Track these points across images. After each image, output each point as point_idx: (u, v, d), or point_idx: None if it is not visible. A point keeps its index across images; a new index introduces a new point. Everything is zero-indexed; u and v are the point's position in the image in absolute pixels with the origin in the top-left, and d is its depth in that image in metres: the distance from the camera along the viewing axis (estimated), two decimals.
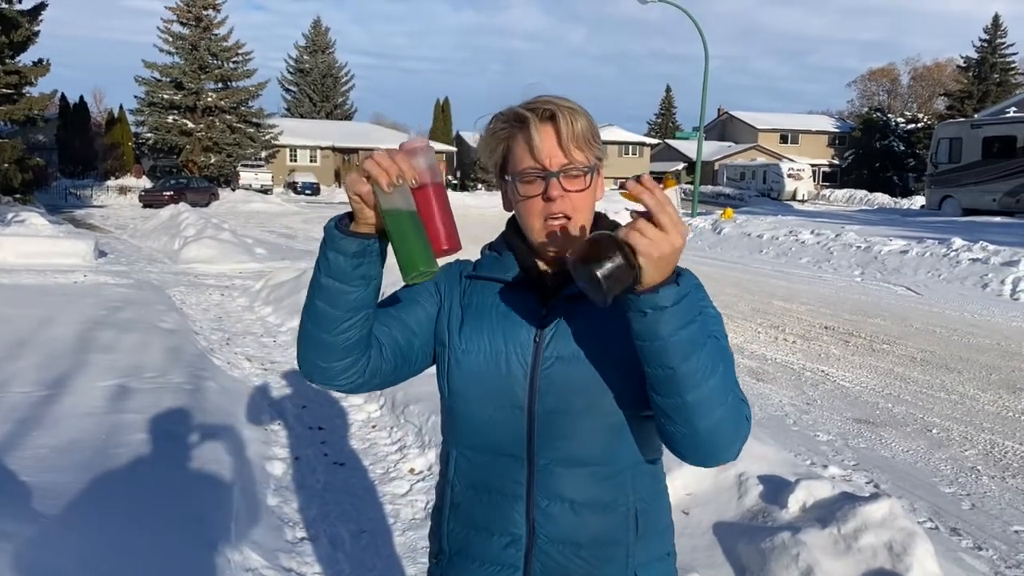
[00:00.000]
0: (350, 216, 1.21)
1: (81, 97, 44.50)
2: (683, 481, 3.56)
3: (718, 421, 1.17)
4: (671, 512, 1.47)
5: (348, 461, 4.68)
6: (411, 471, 4.50)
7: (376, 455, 4.76)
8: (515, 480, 1.32)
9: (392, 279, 1.30)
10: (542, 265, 1.37)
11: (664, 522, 1.42)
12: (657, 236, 1.05)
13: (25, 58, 27.51)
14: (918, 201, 36.58)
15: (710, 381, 1.14)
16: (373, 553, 3.60)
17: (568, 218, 1.28)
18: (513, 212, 1.37)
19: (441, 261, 1.24)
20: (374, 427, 5.24)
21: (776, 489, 3.48)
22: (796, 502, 3.31)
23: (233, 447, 4.27)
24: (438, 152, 52.22)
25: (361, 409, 5.60)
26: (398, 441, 4.95)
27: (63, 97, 41.61)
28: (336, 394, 5.97)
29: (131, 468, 3.60)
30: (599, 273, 1.04)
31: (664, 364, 1.12)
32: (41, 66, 27.63)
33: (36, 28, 26.53)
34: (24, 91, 27.33)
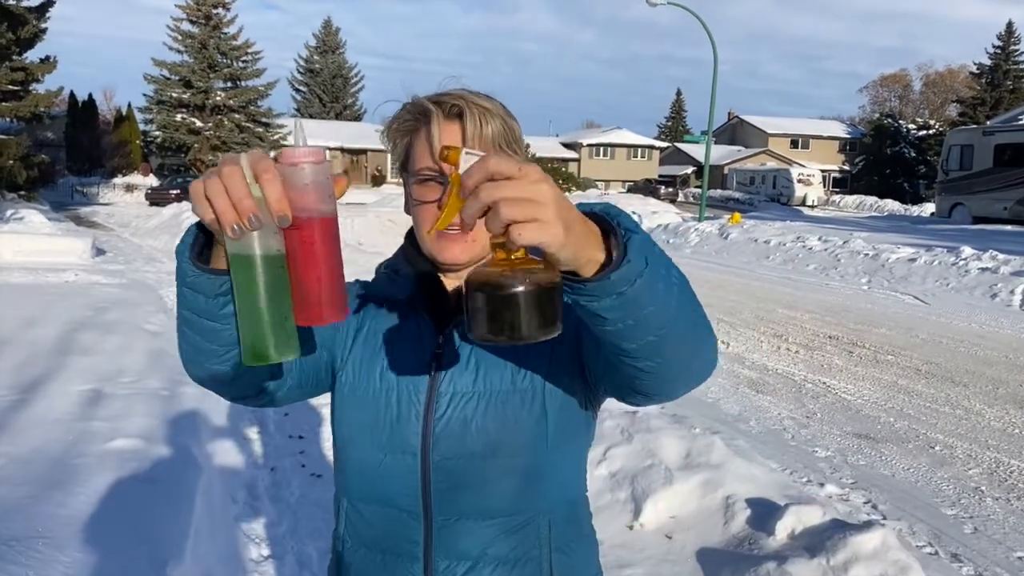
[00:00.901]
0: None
1: (90, 95, 44.58)
2: (667, 504, 3.38)
3: (700, 329, 0.90)
4: (599, 558, 1.28)
5: (326, 473, 4.51)
6: None
7: None
8: (410, 539, 1.15)
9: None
10: (445, 281, 1.18)
11: (591, 573, 1.24)
12: (524, 192, 0.71)
13: (32, 55, 27.54)
14: (928, 208, 36.23)
15: (684, 299, 0.87)
16: None
17: (466, 232, 1.06)
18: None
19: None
20: None
21: (764, 514, 3.29)
22: (784, 529, 3.13)
23: (204, 458, 4.11)
24: None
25: None
26: None
27: (72, 94, 41.72)
28: (326, 399, 5.82)
29: (89, 482, 3.45)
30: (512, 324, 0.74)
31: (658, 325, 0.83)
32: (48, 63, 27.62)
33: (43, 25, 26.51)
34: (30, 88, 27.33)
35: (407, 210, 1.20)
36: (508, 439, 1.11)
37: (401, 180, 1.21)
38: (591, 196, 42.31)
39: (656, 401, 1.01)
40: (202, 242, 0.89)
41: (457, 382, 1.13)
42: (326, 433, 5.11)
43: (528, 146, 1.11)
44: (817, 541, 2.95)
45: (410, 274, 1.20)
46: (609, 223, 0.80)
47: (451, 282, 1.19)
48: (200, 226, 0.88)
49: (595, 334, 0.88)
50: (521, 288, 0.73)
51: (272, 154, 0.80)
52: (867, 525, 2.96)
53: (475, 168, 0.71)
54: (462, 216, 0.72)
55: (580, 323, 0.99)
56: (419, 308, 1.18)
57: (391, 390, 1.14)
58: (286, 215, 0.76)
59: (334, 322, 0.84)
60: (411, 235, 1.23)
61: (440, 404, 1.12)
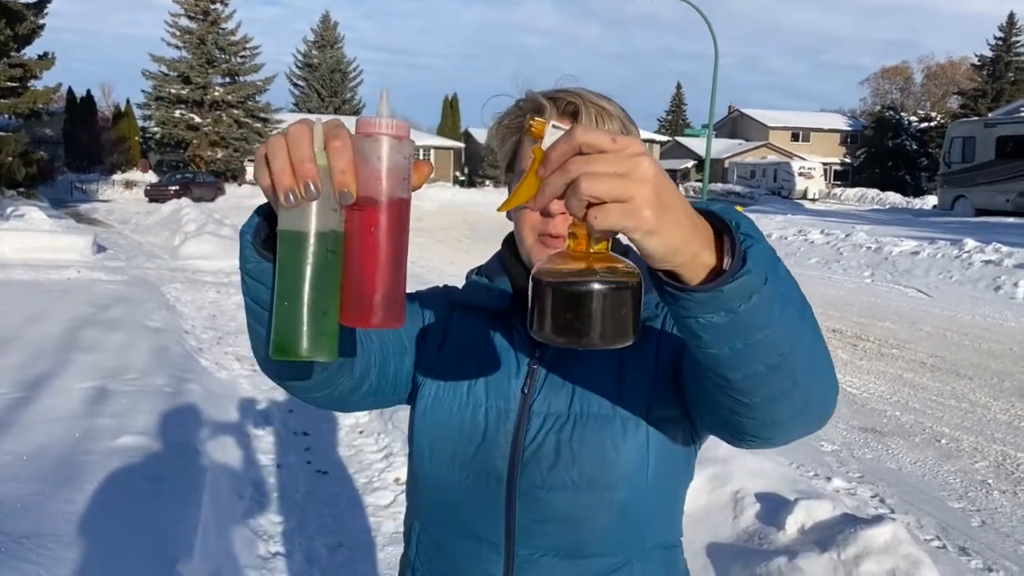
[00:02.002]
0: None
1: (88, 91, 44.55)
2: None
3: (824, 369, 0.79)
4: None
5: (332, 469, 4.51)
6: (396, 481, 4.32)
7: (361, 463, 4.58)
8: (488, 573, 1.05)
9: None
10: None
11: None
12: (616, 166, 0.60)
13: (30, 51, 27.48)
14: (930, 201, 36.18)
15: (813, 328, 0.75)
16: (350, 569, 3.43)
17: (537, 210, 0.98)
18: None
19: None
20: (361, 433, 5.07)
21: (774, 508, 3.28)
22: (794, 523, 3.12)
23: (209, 455, 4.10)
24: (443, 148, 52.04)
25: (351, 414, 5.43)
26: (385, 448, 4.77)
27: (70, 91, 41.65)
28: None
29: (96, 479, 3.43)
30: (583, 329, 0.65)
31: (773, 354, 0.71)
32: (46, 59, 27.56)
33: (41, 21, 26.46)
34: (29, 84, 27.27)
35: (510, 216, 1.09)
36: (605, 470, 0.99)
37: (506, 181, 1.11)
38: None
39: (763, 445, 0.87)
40: (267, 229, 0.78)
41: (552, 402, 1.02)
42: (331, 430, 5.10)
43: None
44: (827, 536, 2.93)
45: (506, 284, 1.11)
46: (725, 223, 0.68)
47: None
48: (255, 220, 0.80)
49: (695, 356, 0.76)
50: (589, 286, 0.65)
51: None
52: (877, 519, 2.95)
53: (562, 139, 0.62)
54: (540, 192, 0.63)
55: (683, 342, 0.90)
56: (513, 320, 1.09)
57: (479, 406, 1.05)
58: (350, 190, 0.66)
59: (385, 329, 0.75)
60: (509, 241, 1.14)
61: (532, 425, 1.02)
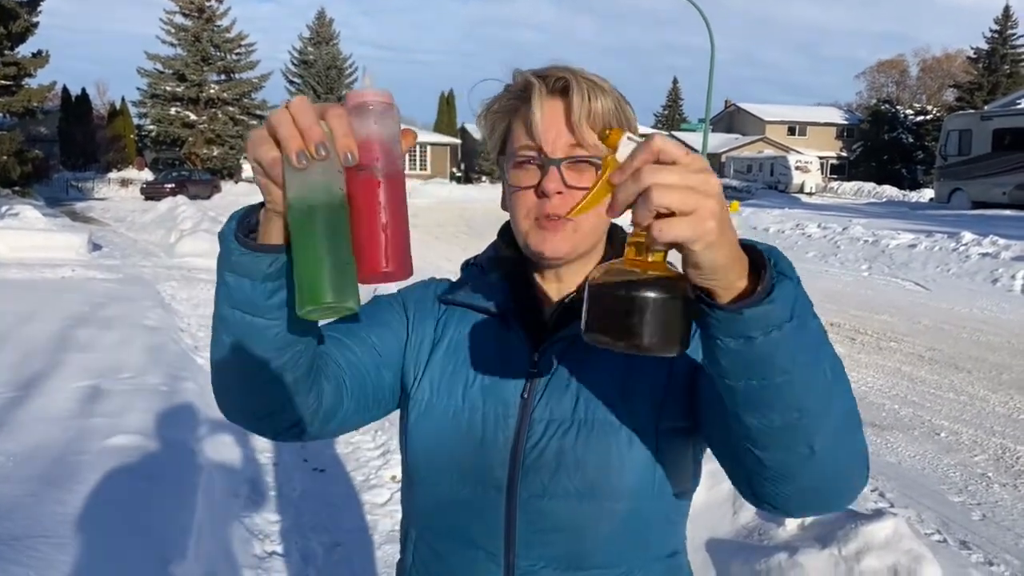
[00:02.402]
0: (263, 205, 0.79)
1: (83, 89, 44.38)
2: None
3: (854, 457, 0.79)
4: None
5: (328, 467, 4.48)
6: (393, 478, 4.29)
7: (358, 460, 4.55)
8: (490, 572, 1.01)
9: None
10: (543, 287, 1.04)
11: None
12: (687, 179, 0.62)
13: (24, 49, 27.33)
14: (927, 194, 36.19)
15: (844, 403, 0.75)
16: (347, 568, 3.40)
17: (568, 220, 0.96)
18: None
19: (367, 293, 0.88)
20: (358, 430, 5.03)
21: None
22: (794, 519, 3.09)
23: (204, 453, 4.07)
24: (440, 145, 51.96)
25: None
26: (382, 445, 4.74)
27: (65, 89, 41.54)
28: None
29: (89, 480, 3.40)
30: (641, 331, 0.66)
31: (789, 406, 0.71)
32: (40, 57, 27.43)
33: (35, 19, 26.33)
34: (23, 83, 27.15)
35: (504, 205, 1.05)
36: (610, 479, 0.95)
37: (497, 168, 1.06)
38: None
39: (777, 511, 0.84)
40: (248, 224, 0.81)
41: (555, 408, 0.98)
42: None
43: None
44: (828, 531, 2.91)
45: (500, 276, 1.06)
46: (763, 258, 0.69)
47: (548, 285, 1.05)
48: (245, 212, 0.82)
49: (718, 389, 0.75)
50: (651, 292, 0.66)
51: None
52: (878, 514, 2.93)
53: (641, 148, 0.64)
54: (614, 198, 0.64)
55: (701, 372, 0.89)
56: (511, 318, 1.03)
57: (475, 410, 1.00)
58: (353, 151, 0.71)
59: (398, 278, 0.76)
60: (505, 231, 1.09)
61: (534, 431, 0.98)
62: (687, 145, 0.70)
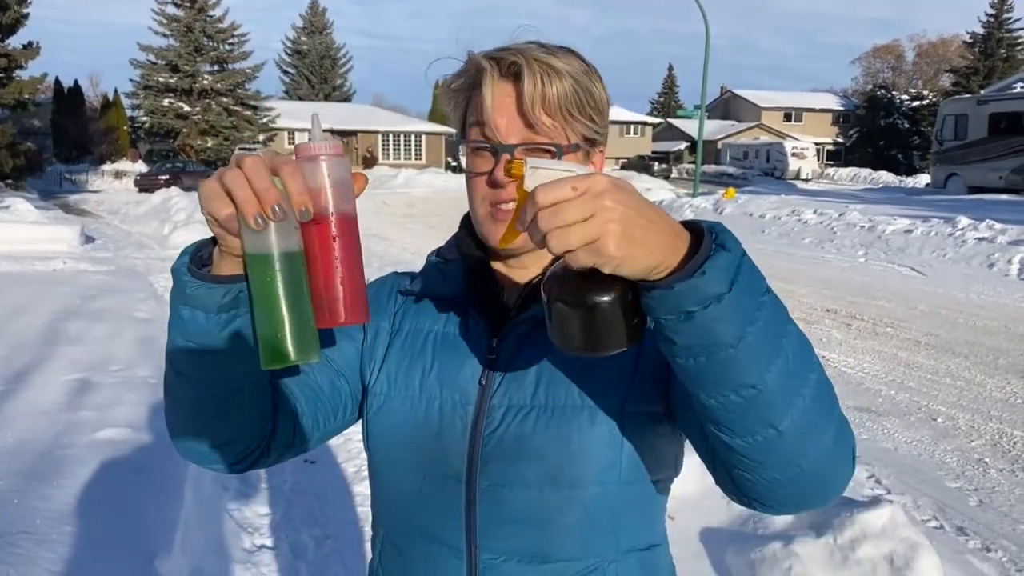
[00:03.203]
0: (214, 241, 0.80)
1: (75, 81, 44.15)
2: None
3: (828, 444, 0.76)
4: None
5: (320, 458, 4.43)
6: None
7: (349, 452, 4.51)
8: (453, 568, 0.98)
9: None
10: (504, 273, 1.02)
11: None
12: (581, 212, 0.64)
13: (15, 41, 27.17)
14: (923, 179, 36.17)
15: (809, 386, 0.72)
16: (337, 561, 3.36)
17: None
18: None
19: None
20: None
21: None
22: None
23: None
24: (434, 134, 51.86)
25: None
26: None
27: (57, 81, 41.29)
28: None
29: (76, 474, 3.36)
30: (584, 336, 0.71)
31: (740, 383, 0.69)
32: (31, 49, 27.26)
33: (25, 11, 26.17)
34: (14, 75, 26.99)
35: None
36: (572, 466, 0.92)
37: (459, 144, 1.03)
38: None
39: (768, 509, 0.82)
40: (200, 258, 0.82)
41: (513, 394, 0.95)
42: None
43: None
44: (823, 520, 2.87)
45: (460, 264, 1.03)
46: (704, 233, 0.69)
47: (510, 271, 1.02)
48: (196, 247, 0.83)
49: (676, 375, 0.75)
50: (585, 298, 0.70)
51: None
52: (875, 502, 2.89)
53: (528, 205, 0.65)
54: (524, 239, 0.69)
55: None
56: (469, 305, 1.00)
57: (432, 400, 0.98)
58: (308, 208, 0.72)
59: (356, 324, 0.78)
60: (467, 220, 1.05)
61: (492, 418, 0.95)
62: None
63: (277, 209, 0.70)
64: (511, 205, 0.93)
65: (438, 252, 1.07)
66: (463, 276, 1.02)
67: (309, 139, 0.77)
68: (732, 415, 0.72)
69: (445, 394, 0.97)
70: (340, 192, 0.75)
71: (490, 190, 0.95)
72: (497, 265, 1.03)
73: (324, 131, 0.77)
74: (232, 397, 0.87)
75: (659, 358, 0.91)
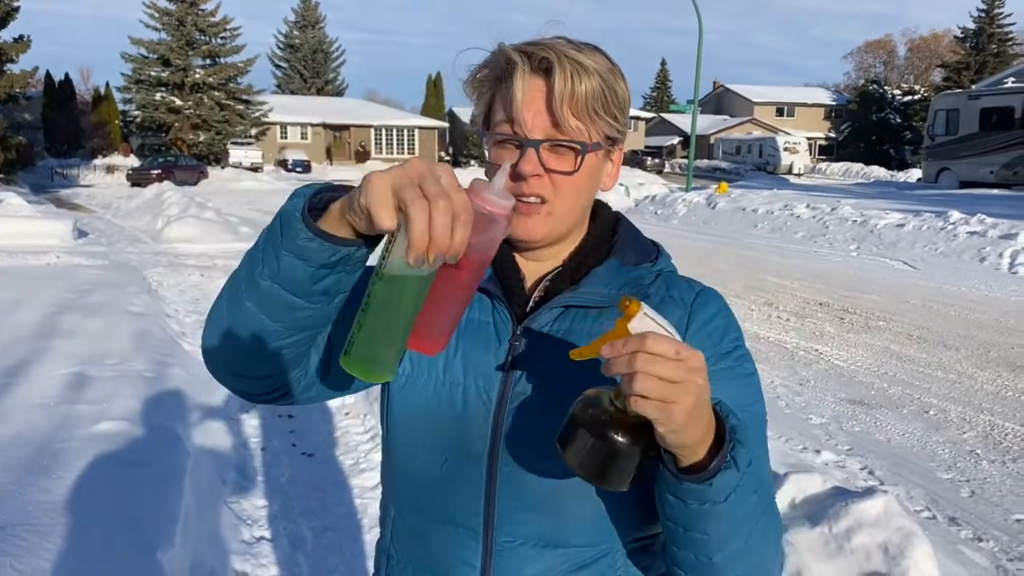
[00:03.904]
0: (331, 193, 0.82)
1: (67, 74, 43.90)
2: None
3: (751, 567, 0.89)
4: None
5: (317, 452, 4.45)
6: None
7: (347, 444, 4.53)
8: (465, 561, 0.99)
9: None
10: (525, 264, 1.04)
11: None
12: (673, 374, 0.72)
13: (5, 34, 26.95)
14: (915, 174, 36.29)
15: (749, 536, 0.86)
16: (336, 553, 3.38)
17: (544, 202, 0.96)
18: None
19: None
20: (347, 414, 5.01)
21: None
22: (785, 497, 3.08)
23: (191, 439, 4.03)
24: (427, 128, 51.51)
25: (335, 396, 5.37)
26: (371, 429, 4.72)
27: (48, 75, 41.05)
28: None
29: (74, 467, 3.36)
30: (580, 464, 0.79)
31: (700, 551, 0.85)
32: (22, 43, 27.06)
33: (16, 3, 25.96)
34: (4, 68, 26.79)
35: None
36: None
37: (482, 143, 1.03)
38: None
39: None
40: (314, 204, 0.82)
41: (535, 382, 0.98)
42: (316, 411, 5.04)
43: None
44: (819, 509, 2.90)
45: None
46: (725, 437, 0.80)
47: (530, 265, 1.04)
48: (316, 190, 0.83)
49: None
50: (602, 440, 0.77)
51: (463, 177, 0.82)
52: (869, 492, 2.92)
53: (635, 340, 0.72)
54: (608, 365, 0.74)
55: None
56: (494, 295, 1.02)
57: (456, 385, 0.99)
58: (459, 256, 0.72)
59: (426, 353, 0.85)
60: None
61: (514, 406, 0.97)
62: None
63: (440, 260, 0.70)
64: (533, 199, 0.95)
65: None
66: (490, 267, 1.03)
67: (490, 187, 0.76)
68: (682, 552, 0.87)
69: (468, 379, 0.99)
70: (491, 247, 0.77)
71: (513, 183, 0.94)
72: (517, 256, 1.05)
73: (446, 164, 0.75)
74: (288, 340, 0.89)
75: None
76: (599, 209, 1.08)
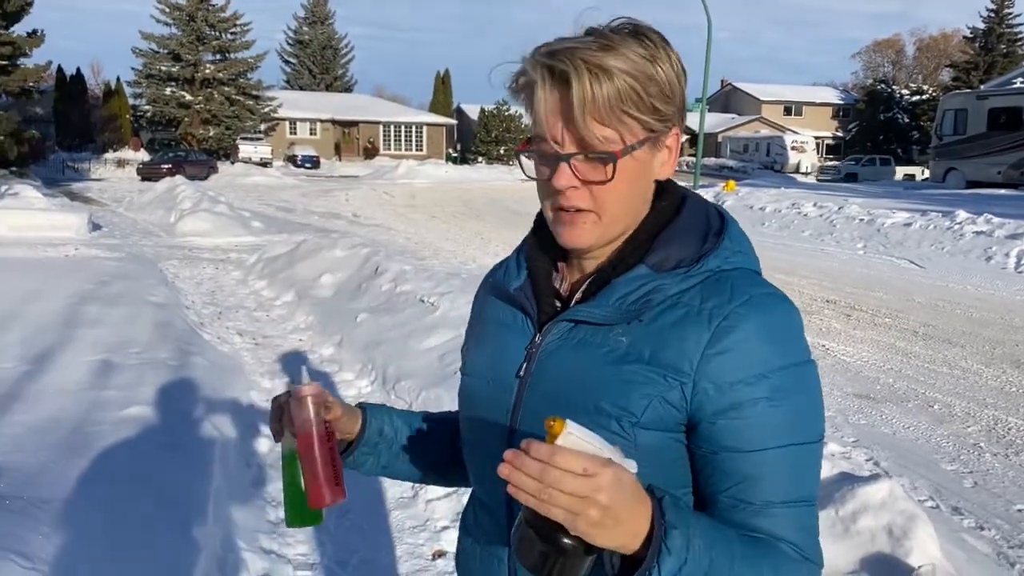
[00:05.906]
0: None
1: (78, 69, 44.11)
2: None
3: None
4: None
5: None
6: None
7: None
8: (500, 540, 1.06)
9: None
10: (564, 268, 1.05)
11: None
12: (579, 490, 0.74)
13: (19, 28, 27.17)
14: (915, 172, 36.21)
15: None
16: (357, 534, 3.50)
17: (588, 212, 0.95)
18: None
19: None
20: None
21: None
22: None
23: (216, 425, 4.16)
24: (435, 125, 51.30)
25: (352, 385, 5.50)
26: None
27: (59, 69, 41.25)
28: (326, 368, 5.87)
29: (108, 448, 3.49)
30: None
31: None
32: (35, 37, 27.27)
33: None
34: (18, 62, 27.00)
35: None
36: None
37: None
38: None
39: None
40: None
41: (547, 388, 0.99)
42: (335, 395, 5.15)
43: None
44: (825, 493, 3.01)
45: (522, 256, 1.08)
46: (657, 530, 0.79)
47: (571, 269, 1.05)
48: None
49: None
50: (547, 542, 0.78)
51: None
52: (874, 477, 3.04)
53: (543, 458, 0.74)
54: (511, 473, 0.78)
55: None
56: (522, 297, 1.04)
57: (484, 386, 1.06)
58: (296, 433, 1.08)
59: (327, 505, 1.07)
60: (540, 214, 1.07)
61: (527, 410, 1.00)
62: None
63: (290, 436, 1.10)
64: (571, 212, 0.96)
65: (525, 240, 1.12)
66: (524, 267, 1.07)
67: (300, 382, 1.10)
68: None
69: (491, 381, 1.05)
70: (317, 417, 1.07)
71: (553, 193, 0.96)
72: (563, 264, 1.06)
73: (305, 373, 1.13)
74: (424, 479, 1.27)
75: (690, 413, 0.94)
76: (660, 196, 1.03)
